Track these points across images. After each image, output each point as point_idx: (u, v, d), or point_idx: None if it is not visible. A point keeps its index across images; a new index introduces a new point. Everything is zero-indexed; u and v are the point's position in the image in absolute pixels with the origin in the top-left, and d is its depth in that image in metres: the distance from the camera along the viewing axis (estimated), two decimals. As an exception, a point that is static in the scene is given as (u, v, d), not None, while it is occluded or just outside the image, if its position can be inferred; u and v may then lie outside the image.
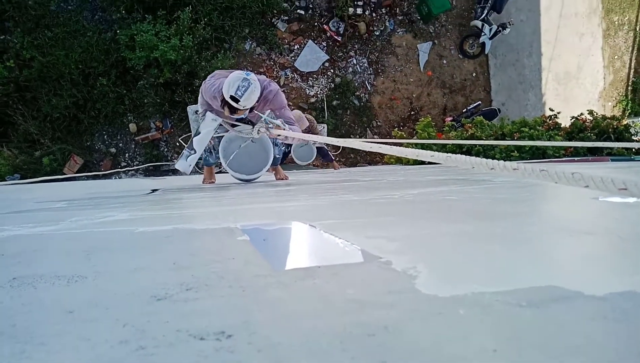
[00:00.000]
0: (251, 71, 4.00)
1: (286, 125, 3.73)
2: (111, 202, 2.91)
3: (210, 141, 4.34)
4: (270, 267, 0.98)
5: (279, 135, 3.66)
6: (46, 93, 8.95)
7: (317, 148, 7.77)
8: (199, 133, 3.99)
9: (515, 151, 7.94)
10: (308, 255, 1.16)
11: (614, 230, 1.28)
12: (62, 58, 8.83)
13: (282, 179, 4.84)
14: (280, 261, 1.10)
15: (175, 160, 9.46)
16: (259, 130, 3.66)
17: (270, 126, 3.61)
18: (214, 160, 4.41)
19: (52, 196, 3.76)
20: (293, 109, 8.65)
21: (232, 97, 3.49)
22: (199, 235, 1.43)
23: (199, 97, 4.18)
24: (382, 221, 1.62)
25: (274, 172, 5.01)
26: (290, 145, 6.77)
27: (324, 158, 8.29)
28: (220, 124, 4.08)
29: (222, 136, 4.18)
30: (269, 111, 3.81)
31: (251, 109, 3.82)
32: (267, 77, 4.17)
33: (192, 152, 3.95)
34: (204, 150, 4.49)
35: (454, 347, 0.54)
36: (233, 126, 3.99)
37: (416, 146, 8.92)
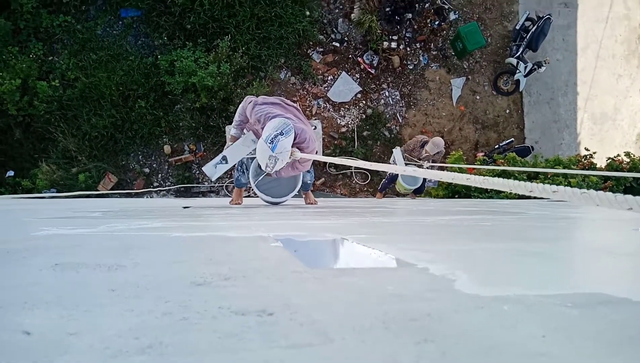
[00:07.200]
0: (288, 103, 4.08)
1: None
2: (144, 214, 2.96)
3: (244, 161, 4.38)
4: (305, 266, 0.98)
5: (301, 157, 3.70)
6: (87, 113, 9.26)
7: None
8: (234, 145, 4.04)
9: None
10: (341, 260, 1.16)
11: (657, 254, 1.24)
12: (104, 80, 9.15)
13: (312, 203, 4.83)
14: (314, 264, 1.10)
15: (206, 181, 9.60)
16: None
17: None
18: (246, 180, 4.43)
19: (88, 207, 3.85)
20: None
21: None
22: (232, 240, 1.44)
23: (238, 111, 4.18)
24: (415, 238, 1.61)
25: (304, 196, 5.00)
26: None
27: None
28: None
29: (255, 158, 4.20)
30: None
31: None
32: (301, 118, 4.10)
33: (224, 162, 3.98)
34: (237, 169, 4.53)
35: (501, 334, 0.53)
36: None
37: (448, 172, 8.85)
